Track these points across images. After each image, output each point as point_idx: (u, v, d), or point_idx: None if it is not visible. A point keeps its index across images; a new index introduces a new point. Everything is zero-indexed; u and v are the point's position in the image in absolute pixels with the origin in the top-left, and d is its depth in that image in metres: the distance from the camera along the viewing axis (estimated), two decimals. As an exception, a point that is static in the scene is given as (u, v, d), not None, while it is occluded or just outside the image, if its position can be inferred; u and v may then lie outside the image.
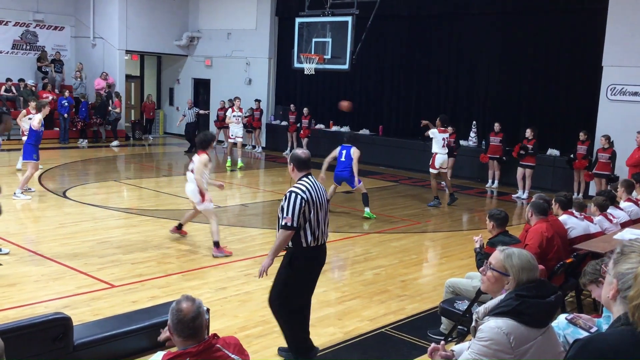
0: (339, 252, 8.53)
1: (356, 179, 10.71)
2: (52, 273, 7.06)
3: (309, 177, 4.95)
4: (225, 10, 20.94)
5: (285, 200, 4.81)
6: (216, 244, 8.01)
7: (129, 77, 22.11)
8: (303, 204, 4.75)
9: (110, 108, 19.38)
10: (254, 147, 19.78)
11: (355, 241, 9.23)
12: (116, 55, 20.61)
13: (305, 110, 18.46)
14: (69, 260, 7.44)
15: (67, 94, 18.89)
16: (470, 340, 2.98)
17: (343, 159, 10.78)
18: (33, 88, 19.22)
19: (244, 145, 17.00)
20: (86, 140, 19.13)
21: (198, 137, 8.56)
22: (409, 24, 17.43)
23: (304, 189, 4.81)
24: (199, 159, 8.00)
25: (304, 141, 18.24)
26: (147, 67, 23.81)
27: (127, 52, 21.22)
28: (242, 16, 20.42)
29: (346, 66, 13.36)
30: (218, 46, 21.22)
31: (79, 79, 20.26)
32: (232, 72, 20.85)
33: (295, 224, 4.77)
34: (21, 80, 19.28)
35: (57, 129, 18.88)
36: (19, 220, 9.41)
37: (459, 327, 5.19)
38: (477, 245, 5.62)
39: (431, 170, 12.11)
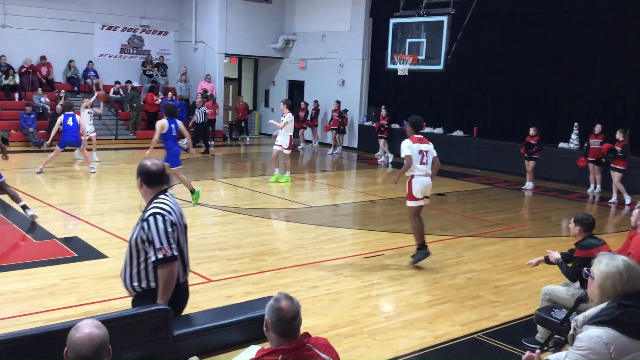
0: (430, 255, 8.42)
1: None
2: (154, 266, 7.41)
3: (167, 194, 4.05)
4: (320, 12, 21.20)
5: (147, 228, 3.85)
6: None
7: (227, 80, 22.85)
8: (172, 229, 3.89)
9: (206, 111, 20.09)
10: (333, 147, 19.91)
11: (447, 244, 9.09)
12: (216, 58, 21.38)
13: (383, 111, 18.26)
14: (169, 255, 7.78)
15: (170, 96, 19.77)
16: (568, 350, 2.87)
17: (174, 133, 10.44)
18: (139, 90, 20.29)
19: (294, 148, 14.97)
20: (184, 140, 19.86)
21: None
22: (505, 22, 16.93)
23: (168, 209, 3.93)
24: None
25: (381, 142, 18.08)
26: (245, 70, 24.50)
27: (226, 55, 21.96)
28: (336, 18, 20.60)
29: (440, 67, 13.18)
30: (312, 48, 21.52)
31: (183, 82, 21.15)
32: (325, 73, 21.08)
33: (175, 252, 3.87)
34: (128, 82, 20.41)
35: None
36: (125, 215, 9.95)
37: (556, 336, 5.00)
38: (557, 257, 5.47)
39: (410, 203, 7.71)
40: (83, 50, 20.44)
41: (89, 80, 20.21)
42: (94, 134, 14.41)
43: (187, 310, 5.73)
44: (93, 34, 20.78)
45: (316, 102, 20.63)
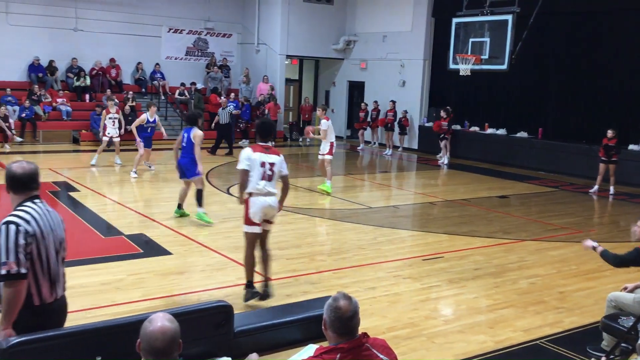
0: (491, 258, 8.28)
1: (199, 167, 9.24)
2: (216, 264, 7.59)
3: (36, 201, 3.52)
4: (381, 13, 21.13)
5: None
6: None
7: (288, 81, 23.08)
8: (28, 241, 3.37)
9: (247, 111, 20.36)
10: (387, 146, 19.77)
11: (509, 248, 8.90)
12: (277, 59, 21.63)
13: (443, 112, 17.93)
14: (231, 253, 7.94)
15: (232, 97, 20.13)
16: (635, 358, 2.78)
17: (184, 143, 9.29)
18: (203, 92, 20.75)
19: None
20: (247, 141, 20.21)
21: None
22: (572, 21, 16.42)
23: (27, 218, 3.40)
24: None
25: (442, 143, 17.80)
26: (306, 71, 24.68)
27: (288, 56, 22.19)
28: (398, 18, 20.49)
29: (504, 66, 12.95)
30: (373, 49, 21.47)
31: (244, 83, 21.51)
32: (386, 74, 21.00)
33: (23, 269, 3.34)
34: (193, 84, 20.92)
35: (222, 129, 20.16)
36: (191, 214, 10.20)
37: (622, 344, 4.83)
38: (592, 244, 5.42)
39: (245, 228, 6.43)
40: (150, 52, 21.08)
41: (155, 82, 20.83)
42: (118, 138, 14.51)
43: (247, 308, 5.86)
44: (160, 37, 21.40)
45: (376, 102, 20.60)
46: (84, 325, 3.95)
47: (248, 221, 6.15)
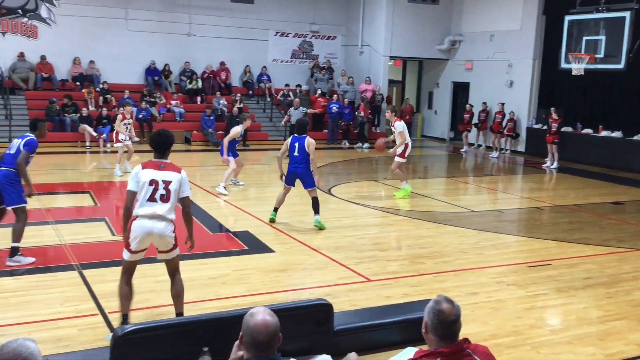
0: (603, 268, 7.85)
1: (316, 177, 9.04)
2: (317, 263, 7.71)
3: None
4: (489, 11, 20.59)
5: None
6: None
7: (391, 82, 23.00)
8: None
9: (356, 113, 20.38)
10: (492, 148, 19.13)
11: (624, 257, 8.40)
12: (381, 61, 21.62)
13: (553, 113, 16.95)
14: (331, 253, 8.04)
15: (335, 98, 20.34)
16: None
17: (296, 153, 9.06)
18: (306, 93, 21.12)
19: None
20: (348, 142, 20.33)
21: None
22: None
23: None
24: None
25: (550, 147, 16.96)
26: (409, 72, 24.50)
27: (391, 58, 22.13)
28: (506, 17, 19.87)
29: (621, 65, 12.27)
30: (479, 49, 20.95)
31: (348, 85, 21.68)
32: (492, 75, 20.43)
33: None
34: (298, 85, 21.35)
35: (326, 130, 20.45)
36: (291, 213, 10.42)
37: None
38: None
39: (124, 254, 5.36)
40: (258, 56, 21.75)
41: (262, 84, 21.46)
42: (129, 142, 14.22)
43: (346, 307, 5.92)
44: (267, 40, 22.02)
45: (484, 104, 20.07)
46: (192, 317, 4.16)
47: (127, 246, 5.17)
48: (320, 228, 9.13)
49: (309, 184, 9.10)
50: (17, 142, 7.29)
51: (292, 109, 18.10)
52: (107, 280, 6.58)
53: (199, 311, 5.70)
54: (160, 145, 5.18)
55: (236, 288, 6.63)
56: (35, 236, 8.28)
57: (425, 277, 7.23)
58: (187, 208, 5.16)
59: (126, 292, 5.18)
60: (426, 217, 10.34)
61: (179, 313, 5.29)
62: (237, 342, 2.96)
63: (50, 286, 6.53)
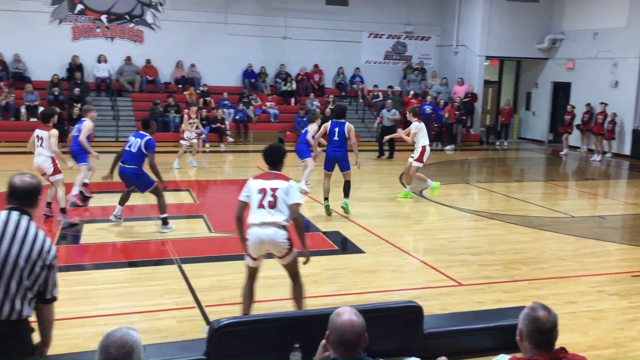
0: None
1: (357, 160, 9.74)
2: (407, 265, 7.68)
3: (10, 212, 3.33)
4: (592, 8, 19.66)
5: None
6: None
7: (487, 83, 22.46)
8: None
9: (441, 113, 19.96)
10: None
11: None
12: (476, 61, 21.16)
13: None
14: (422, 255, 7.97)
15: (428, 99, 20.10)
16: None
17: (336, 137, 9.52)
18: (399, 94, 21.02)
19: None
20: (454, 146, 19.98)
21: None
22: None
23: None
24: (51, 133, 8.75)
25: None
26: (506, 72, 23.80)
27: (487, 58, 21.60)
28: (611, 14, 18.90)
29: None
30: (582, 47, 20.04)
31: (442, 85, 21.37)
32: (595, 74, 19.48)
33: None
34: (389, 87, 21.26)
35: (418, 132, 20.25)
36: (381, 214, 10.43)
37: None
38: None
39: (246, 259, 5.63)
40: (351, 57, 21.87)
41: (354, 85, 21.55)
42: (195, 140, 14.84)
43: (436, 311, 5.84)
44: (361, 42, 22.10)
45: (588, 105, 19.12)
46: (284, 313, 4.27)
47: (245, 249, 5.35)
48: (346, 211, 9.63)
49: (346, 167, 9.67)
50: (135, 141, 8.38)
51: (384, 111, 17.96)
52: (204, 275, 6.86)
53: (290, 308, 5.83)
54: (273, 158, 5.36)
55: (327, 287, 6.72)
56: (139, 231, 8.76)
57: (520, 284, 7.02)
58: (295, 214, 5.19)
59: (248, 294, 5.39)
60: (522, 222, 10.03)
61: None
62: (323, 341, 3.01)
63: (152, 279, 6.90)
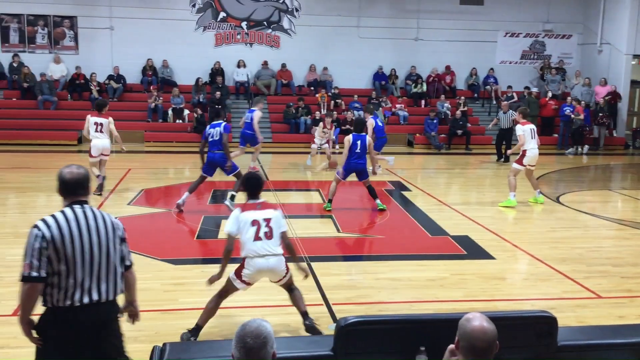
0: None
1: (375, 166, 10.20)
2: (540, 274, 7.34)
3: (75, 207, 3.50)
4: None
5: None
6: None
7: (633, 83, 20.91)
8: (43, 245, 3.34)
9: (572, 115, 18.67)
10: None
11: None
12: (622, 60, 19.80)
13: None
14: (557, 264, 7.60)
15: (569, 100, 19.06)
16: None
17: (358, 150, 9.89)
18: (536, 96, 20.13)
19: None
20: (579, 147, 18.90)
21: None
22: None
23: (50, 223, 3.39)
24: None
25: None
26: (656, 71, 22.03)
27: (634, 56, 20.12)
28: None
29: None
30: None
31: (585, 86, 20.17)
32: None
33: (35, 273, 3.34)
34: (526, 88, 20.42)
35: (556, 135, 19.29)
36: (514, 220, 10.06)
37: None
38: None
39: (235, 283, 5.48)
40: (485, 58, 21.28)
41: (488, 86, 20.94)
42: (326, 145, 14.99)
43: (571, 323, 5.56)
44: (496, 41, 21.45)
45: None
46: (411, 315, 4.27)
47: (238, 274, 5.22)
48: (382, 209, 10.06)
49: (364, 176, 10.14)
50: (215, 130, 9.57)
51: (500, 113, 17.15)
52: (331, 274, 7.00)
53: (417, 311, 5.81)
54: (254, 189, 5.31)
55: (454, 292, 6.60)
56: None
57: (667, 300, 6.49)
58: (287, 240, 5.32)
59: (212, 309, 5.26)
60: (672, 233, 9.26)
61: (304, 312, 5.41)
62: (451, 346, 2.97)
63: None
